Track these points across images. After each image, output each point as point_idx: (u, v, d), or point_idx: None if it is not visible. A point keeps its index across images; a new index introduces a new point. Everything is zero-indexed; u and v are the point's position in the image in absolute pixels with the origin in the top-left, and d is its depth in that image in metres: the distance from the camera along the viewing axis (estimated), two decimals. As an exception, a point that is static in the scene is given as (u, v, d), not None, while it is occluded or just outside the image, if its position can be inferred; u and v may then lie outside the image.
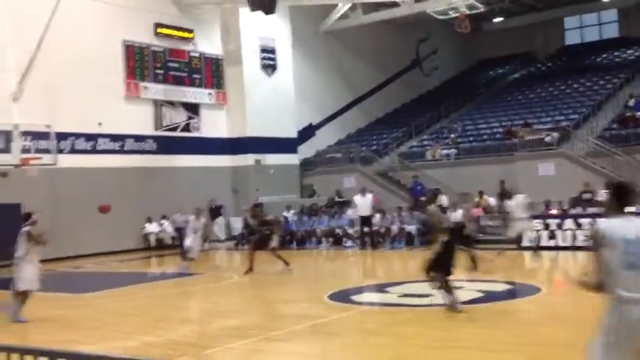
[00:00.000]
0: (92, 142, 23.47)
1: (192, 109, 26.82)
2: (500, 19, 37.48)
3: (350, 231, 21.97)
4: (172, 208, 23.83)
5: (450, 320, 9.45)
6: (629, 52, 35.12)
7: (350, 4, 30.05)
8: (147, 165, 24.69)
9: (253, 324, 10.01)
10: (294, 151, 29.31)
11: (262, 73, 28.38)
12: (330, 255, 20.95)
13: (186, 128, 26.53)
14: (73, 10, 21.53)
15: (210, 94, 27.35)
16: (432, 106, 32.77)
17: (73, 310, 11.88)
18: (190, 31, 26.69)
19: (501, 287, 12.12)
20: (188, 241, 17.54)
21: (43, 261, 11.07)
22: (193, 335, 9.53)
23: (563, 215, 18.36)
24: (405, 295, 11.85)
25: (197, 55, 26.91)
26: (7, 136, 19.27)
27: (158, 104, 25.66)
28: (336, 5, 30.53)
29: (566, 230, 17.62)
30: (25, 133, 19.52)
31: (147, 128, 25.24)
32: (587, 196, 19.39)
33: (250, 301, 12.97)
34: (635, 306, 4.14)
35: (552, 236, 17.66)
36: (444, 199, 21.55)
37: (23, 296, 10.45)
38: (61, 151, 21.45)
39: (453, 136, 28.66)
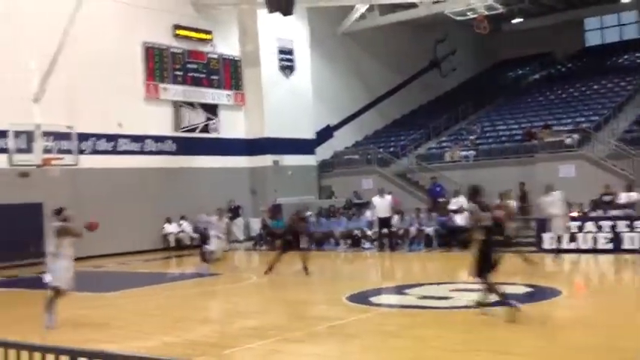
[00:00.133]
0: (113, 143, 23.69)
1: (211, 110, 26.96)
2: (520, 19, 37.28)
3: (368, 232, 21.95)
4: (191, 208, 23.98)
5: (469, 323, 9.40)
6: (650, 53, 34.82)
7: (367, 6, 30.03)
8: (166, 166, 24.86)
9: (272, 325, 10.03)
10: (311, 152, 29.35)
11: (280, 75, 28.46)
12: (348, 256, 20.94)
13: (205, 129, 26.67)
14: (94, 13, 21.72)
15: (228, 95, 27.47)
16: (449, 108, 32.63)
17: (94, 309, 11.99)
18: (209, 32, 26.84)
19: (522, 290, 12.04)
20: (212, 243, 17.47)
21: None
22: (213, 335, 9.58)
23: (583, 218, 18.19)
24: (424, 297, 11.83)
25: (215, 56, 27.05)
26: (29, 136, 19.47)
27: (177, 105, 25.83)
28: (354, 6, 30.54)
29: (586, 233, 17.47)
30: (47, 134, 19.68)
31: (166, 129, 25.42)
32: (607, 198, 19.22)
33: (269, 302, 13.00)
34: None
35: (573, 239, 17.50)
36: (462, 201, 21.49)
37: (56, 293, 10.18)
38: (82, 152, 21.66)
39: (471, 137, 28.52)
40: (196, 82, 26.30)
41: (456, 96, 35.52)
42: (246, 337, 9.19)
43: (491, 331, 8.93)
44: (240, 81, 27.87)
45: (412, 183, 27.24)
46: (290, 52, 28.80)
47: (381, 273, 18.32)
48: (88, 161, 21.95)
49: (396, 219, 21.29)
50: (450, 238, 20.18)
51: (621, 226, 17.19)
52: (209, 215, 19.50)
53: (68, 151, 20.50)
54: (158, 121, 25.07)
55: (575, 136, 24.07)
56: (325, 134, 30.82)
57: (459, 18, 28.27)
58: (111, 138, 23.60)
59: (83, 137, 22.02)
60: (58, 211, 10.65)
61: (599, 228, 17.34)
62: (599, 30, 39.86)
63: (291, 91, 28.52)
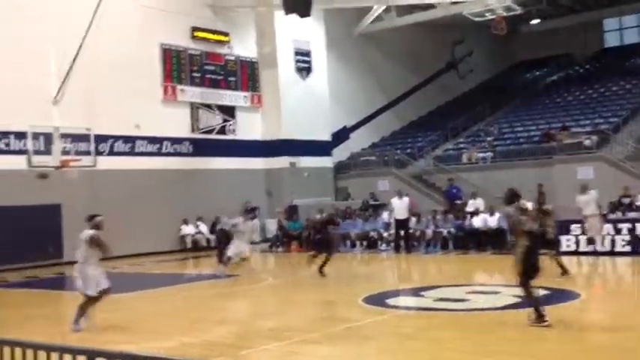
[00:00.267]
0: (130, 145, 23.85)
1: (228, 111, 27.06)
2: (538, 21, 37.03)
3: (384, 234, 21.91)
4: (208, 210, 24.05)
5: (486, 325, 9.36)
6: (671, 54, 34.46)
7: (384, 7, 30.00)
8: (183, 167, 24.99)
9: (288, 326, 10.05)
10: (328, 153, 29.36)
11: (297, 76, 28.51)
12: (364, 258, 20.92)
13: (222, 131, 26.77)
14: (112, 15, 21.87)
15: (245, 96, 27.56)
16: (467, 109, 32.51)
17: (112, 310, 12.05)
18: (226, 34, 26.95)
19: (540, 292, 11.94)
20: (240, 246, 16.83)
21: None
22: (229, 336, 9.61)
23: (602, 220, 18.02)
24: (441, 300, 11.78)
25: (233, 58, 27.15)
26: (48, 138, 19.68)
27: (194, 107, 25.95)
28: (371, 8, 30.53)
29: (605, 235, 17.32)
30: (65, 136, 19.89)
31: (183, 131, 25.55)
32: (626, 200, 19.07)
33: (286, 304, 13.02)
34: None
35: (591, 241, 17.37)
36: (479, 202, 21.41)
37: (94, 300, 10.16)
38: (100, 153, 21.83)
39: (489, 139, 28.40)
40: (213, 84, 26.42)
41: (473, 97, 35.37)
42: (262, 338, 9.22)
43: (508, 333, 8.89)
44: (257, 83, 27.96)
45: (429, 185, 27.16)
46: (307, 53, 28.85)
47: (397, 275, 18.29)
48: (106, 163, 22.12)
49: (412, 221, 21.25)
50: (467, 240, 20.10)
51: (640, 228, 17.02)
52: (230, 218, 19.39)
53: (86, 153, 20.69)
54: (175, 122, 25.21)
55: (594, 137, 23.90)
56: (342, 136, 30.82)
57: (476, 19, 28.18)
58: (128, 140, 23.76)
59: (101, 139, 22.18)
60: (91, 218, 10.38)
61: (618, 230, 17.17)
62: (618, 31, 39.49)
63: (308, 92, 28.56)
